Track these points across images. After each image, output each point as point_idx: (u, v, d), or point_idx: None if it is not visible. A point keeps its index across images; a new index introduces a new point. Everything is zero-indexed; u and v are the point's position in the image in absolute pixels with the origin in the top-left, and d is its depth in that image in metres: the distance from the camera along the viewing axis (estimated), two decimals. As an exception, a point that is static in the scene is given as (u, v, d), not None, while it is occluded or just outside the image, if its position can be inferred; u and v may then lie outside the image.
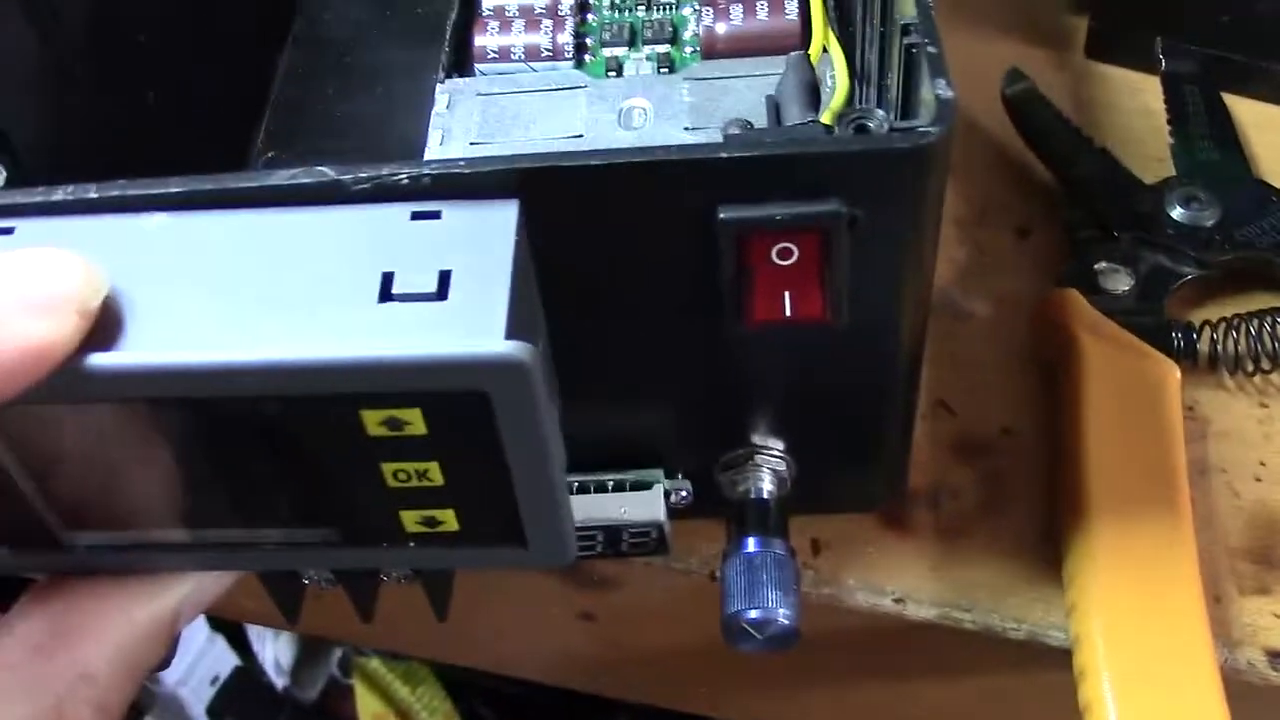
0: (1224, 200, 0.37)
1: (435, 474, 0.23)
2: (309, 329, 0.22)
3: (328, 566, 0.28)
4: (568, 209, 0.25)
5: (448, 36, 0.36)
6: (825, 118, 0.28)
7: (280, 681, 0.87)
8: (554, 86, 0.35)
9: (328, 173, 0.24)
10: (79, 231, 0.24)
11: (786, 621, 0.27)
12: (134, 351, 0.22)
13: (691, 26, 0.35)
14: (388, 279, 0.22)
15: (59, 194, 0.24)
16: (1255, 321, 0.34)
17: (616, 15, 0.36)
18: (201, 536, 0.25)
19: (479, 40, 0.35)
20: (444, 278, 0.22)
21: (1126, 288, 0.35)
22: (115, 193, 0.24)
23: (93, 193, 0.24)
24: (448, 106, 0.34)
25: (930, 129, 0.24)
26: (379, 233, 0.23)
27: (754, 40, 0.34)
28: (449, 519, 0.24)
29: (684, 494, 0.29)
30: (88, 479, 0.24)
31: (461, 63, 0.36)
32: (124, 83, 0.34)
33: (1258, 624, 0.30)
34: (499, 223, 0.23)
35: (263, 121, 0.39)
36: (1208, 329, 0.35)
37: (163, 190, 0.24)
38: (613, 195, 0.24)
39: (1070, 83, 0.43)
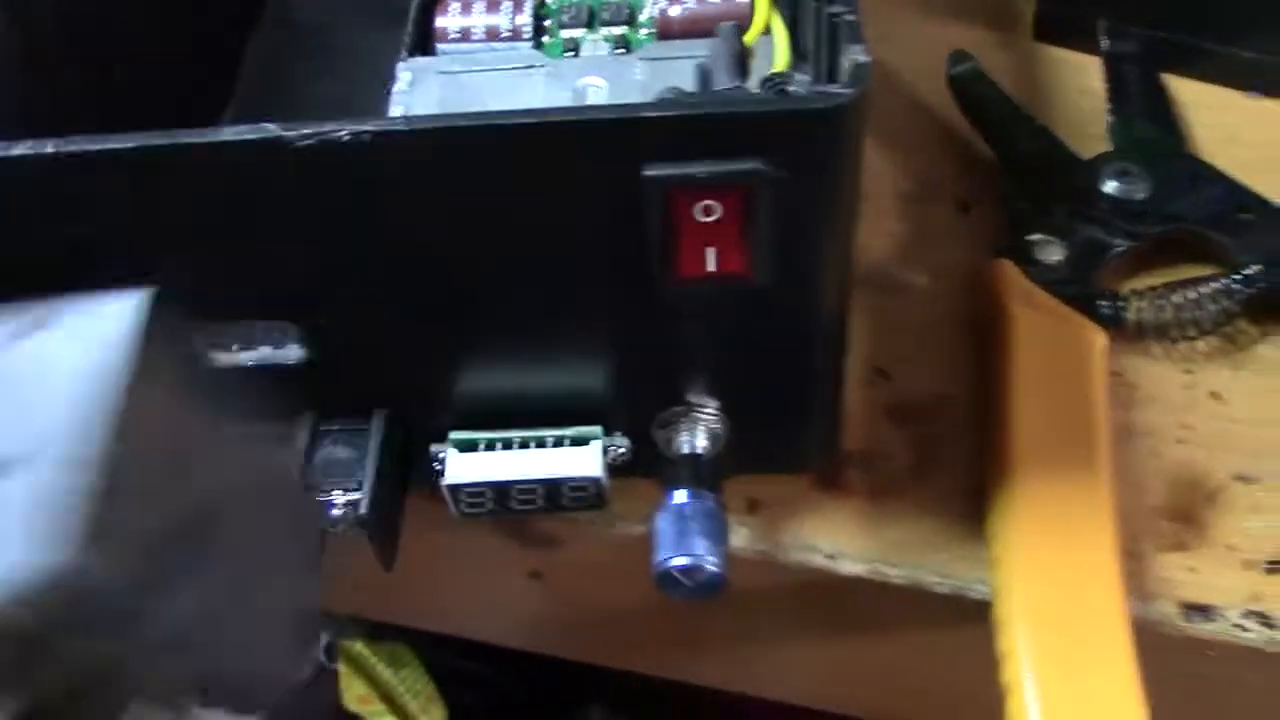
0: (1156, 175, 0.38)
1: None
2: None
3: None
4: (501, 169, 0.26)
5: (411, 17, 0.37)
6: (754, 87, 0.29)
7: (265, 665, 0.88)
8: (512, 65, 0.36)
9: (272, 129, 0.25)
10: None
11: (714, 569, 0.28)
12: None
13: (648, 9, 0.36)
14: None
15: (19, 149, 0.26)
16: (1182, 291, 0.36)
17: (575, -2, 0.37)
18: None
19: (440, 21, 0.37)
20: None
21: (1059, 259, 0.36)
22: (73, 148, 0.26)
23: (49, 148, 0.26)
24: (410, 84, 0.36)
25: (844, 90, 0.25)
26: None
27: (708, 21, 0.35)
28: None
29: (622, 450, 0.30)
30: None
31: (424, 43, 0.37)
32: (92, 64, 0.35)
33: (1173, 578, 0.32)
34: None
35: (230, 102, 0.40)
36: (1136, 298, 0.36)
37: (117, 145, 0.25)
38: (543, 154, 0.26)
39: (1017, 64, 0.44)
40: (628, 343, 0.29)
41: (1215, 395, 0.35)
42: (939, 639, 0.33)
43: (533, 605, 0.37)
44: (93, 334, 0.21)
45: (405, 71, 0.36)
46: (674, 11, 0.36)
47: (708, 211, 0.26)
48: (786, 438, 0.32)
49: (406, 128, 0.25)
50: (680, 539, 0.28)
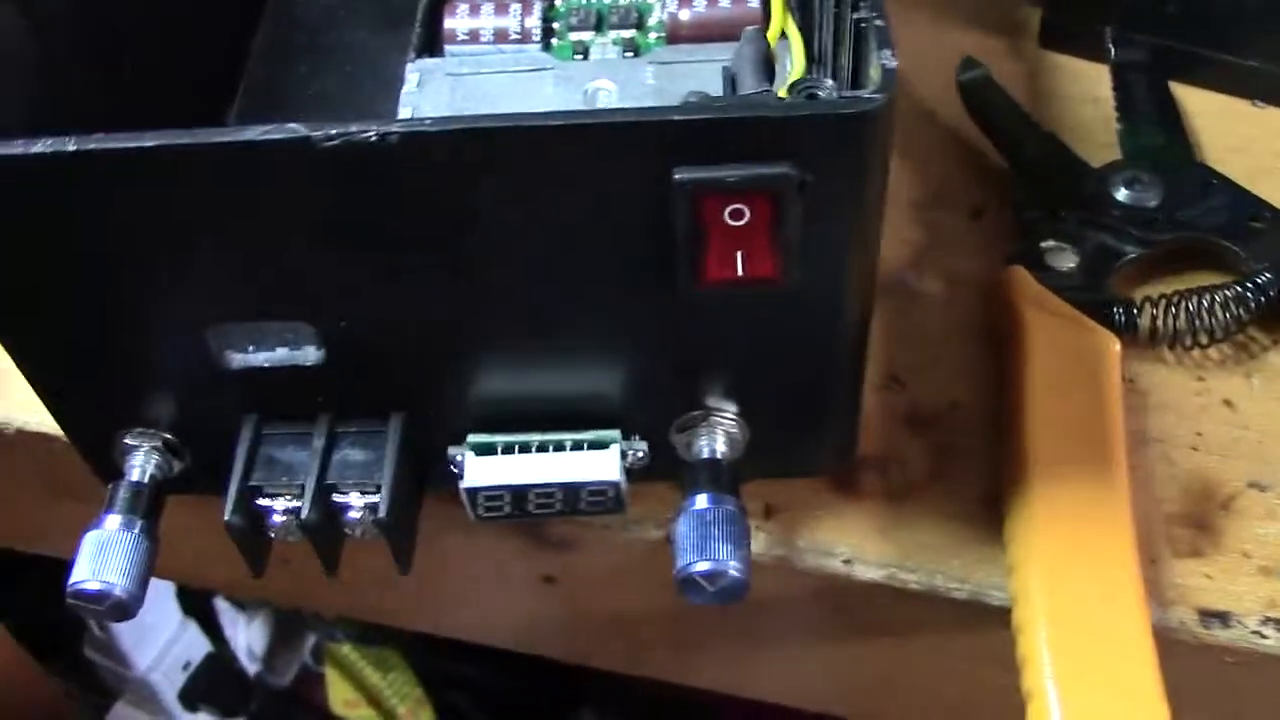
0: (1167, 183, 0.38)
1: None
2: None
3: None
4: (527, 171, 0.26)
5: (419, 18, 0.37)
6: (781, 91, 0.29)
7: (253, 668, 0.88)
8: (521, 68, 0.36)
9: (299, 129, 0.25)
10: None
11: (737, 574, 0.28)
12: None
13: (657, 13, 0.36)
14: None
15: (38, 146, 0.25)
16: (1194, 299, 0.36)
17: (584, 1, 0.37)
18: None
19: (449, 22, 0.36)
20: None
21: (1072, 265, 0.37)
22: (92, 146, 0.25)
23: (71, 145, 0.25)
24: (418, 85, 0.35)
25: (875, 96, 0.25)
26: None
27: (717, 26, 0.36)
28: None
29: (640, 454, 0.30)
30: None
31: (432, 44, 0.36)
32: (100, 60, 0.34)
33: (1190, 584, 0.32)
34: None
35: (234, 100, 0.40)
36: (1148, 305, 0.36)
37: (139, 144, 0.25)
38: (572, 156, 0.25)
39: (1024, 71, 0.44)
40: (649, 346, 0.29)
41: (1227, 403, 0.35)
42: (956, 644, 0.33)
43: (544, 609, 0.37)
44: None
45: (414, 72, 0.36)
46: (683, 16, 0.36)
47: (737, 215, 0.26)
48: (804, 442, 0.32)
49: (434, 129, 0.25)
50: (702, 544, 0.28)
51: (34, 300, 0.28)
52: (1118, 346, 0.34)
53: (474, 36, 0.37)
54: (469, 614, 0.40)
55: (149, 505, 0.31)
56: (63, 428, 0.32)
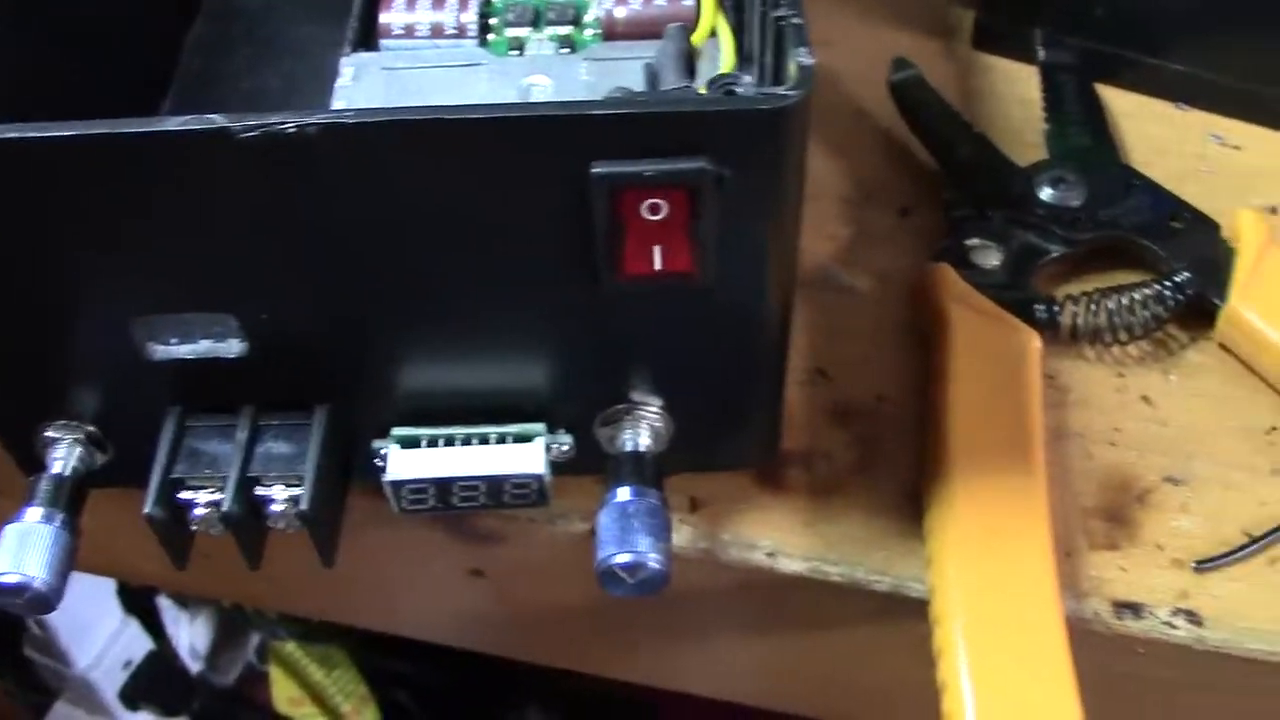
0: (1091, 183, 0.39)
1: None
2: None
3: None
4: (448, 164, 0.26)
5: (355, 11, 0.37)
6: (701, 89, 0.30)
7: (195, 666, 0.87)
8: (456, 63, 0.36)
9: (217, 120, 0.25)
10: None
11: (656, 565, 0.28)
12: None
13: (593, 10, 0.37)
14: None
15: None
16: (1114, 297, 0.36)
17: (521, -3, 0.37)
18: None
19: (384, 17, 0.36)
20: None
21: (996, 263, 0.37)
22: (9, 135, 0.25)
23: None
24: (352, 79, 0.35)
25: (791, 92, 0.25)
26: None
27: (652, 23, 0.36)
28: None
29: (564, 447, 0.31)
30: None
31: (368, 38, 0.36)
32: (28, 49, 0.34)
33: (1105, 576, 0.32)
34: None
35: (168, 92, 0.39)
36: (1070, 303, 0.36)
37: (57, 134, 0.25)
38: (491, 150, 0.26)
39: (956, 71, 0.44)
40: (572, 340, 0.29)
41: (1146, 399, 0.36)
42: (878, 636, 0.34)
43: (474, 603, 0.37)
44: None
45: (348, 66, 0.35)
46: (619, 13, 0.36)
47: (654, 210, 0.26)
48: (728, 436, 0.32)
49: (353, 120, 0.25)
50: (623, 536, 0.28)
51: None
52: (1038, 343, 0.35)
53: (410, 31, 0.37)
54: (399, 608, 0.40)
55: (70, 498, 0.31)
56: (-14, 419, 0.31)
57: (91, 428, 0.31)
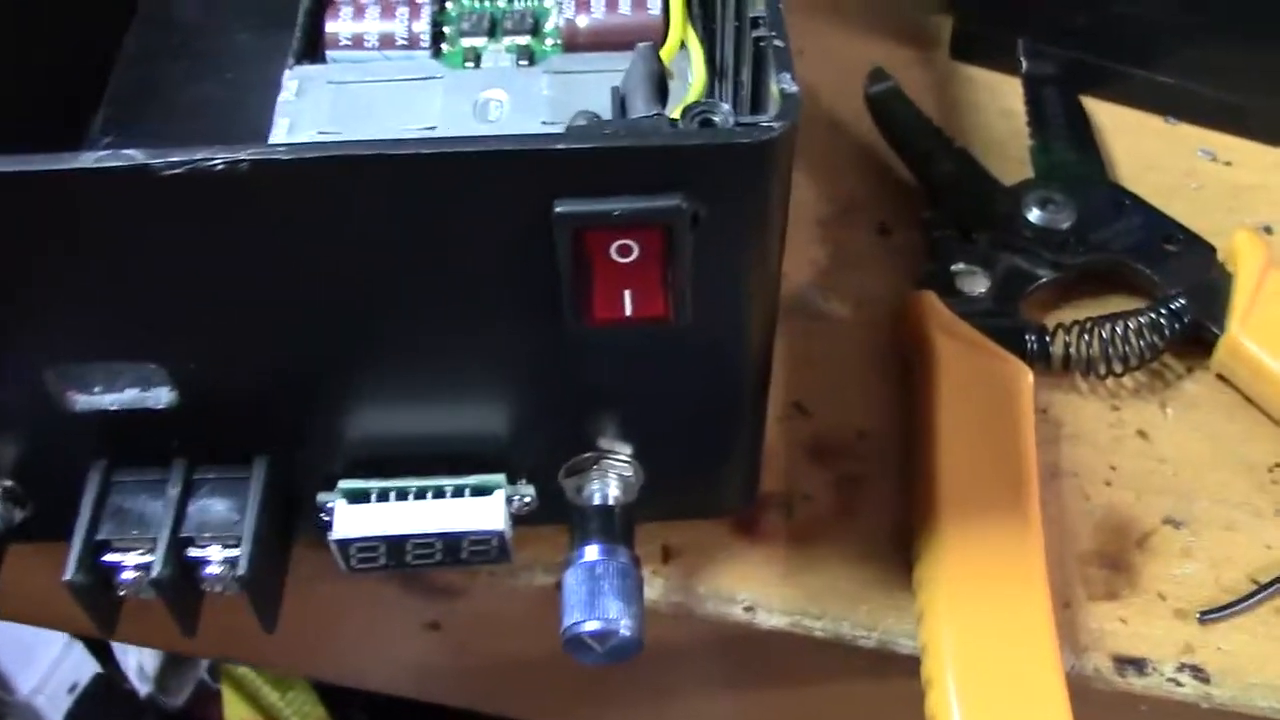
0: (1079, 203, 0.37)
1: None
2: None
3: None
4: (395, 202, 0.24)
5: (300, 21, 0.34)
6: (675, 112, 0.27)
7: (144, 688, 0.84)
8: (408, 76, 0.33)
9: (137, 155, 0.23)
10: None
11: (628, 633, 0.26)
12: None
13: (553, 19, 0.34)
14: None
15: None
16: (1107, 325, 0.34)
17: (476, 5, 0.35)
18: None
19: (331, 26, 0.34)
20: None
21: (983, 290, 0.35)
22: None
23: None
24: (296, 94, 0.33)
25: (774, 124, 0.23)
26: None
27: (616, 34, 0.33)
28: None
29: (527, 500, 0.28)
30: None
31: (313, 49, 0.34)
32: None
33: (1104, 629, 0.30)
34: None
35: (100, 106, 0.37)
36: (1061, 332, 0.34)
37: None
38: (442, 187, 0.23)
39: (934, 83, 0.42)
40: (535, 386, 0.27)
41: (1142, 434, 0.34)
42: (864, 692, 0.32)
43: (432, 657, 0.35)
44: None
45: (292, 80, 0.33)
46: (581, 22, 0.34)
47: (624, 251, 0.24)
48: (703, 482, 0.30)
49: (288, 156, 0.23)
50: (591, 601, 0.26)
51: None
52: (1031, 378, 0.33)
53: (358, 42, 0.34)
54: (352, 662, 0.37)
55: (-14, 559, 0.28)
56: (-113, 475, 0.29)
57: (9, 482, 0.29)
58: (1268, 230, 0.38)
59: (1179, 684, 0.30)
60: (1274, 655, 0.30)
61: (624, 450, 0.28)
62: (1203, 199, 0.39)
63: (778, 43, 0.25)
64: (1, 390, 0.27)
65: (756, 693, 0.34)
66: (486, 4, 0.35)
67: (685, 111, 0.26)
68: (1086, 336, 0.34)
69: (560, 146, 0.23)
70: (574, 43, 0.34)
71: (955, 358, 0.33)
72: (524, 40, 0.34)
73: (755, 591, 0.31)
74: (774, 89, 0.24)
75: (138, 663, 0.84)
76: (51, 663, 0.80)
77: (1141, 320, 0.34)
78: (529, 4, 0.35)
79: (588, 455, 0.28)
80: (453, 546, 0.28)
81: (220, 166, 0.22)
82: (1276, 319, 0.34)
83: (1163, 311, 0.35)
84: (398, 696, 0.79)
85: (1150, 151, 0.40)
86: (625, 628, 0.26)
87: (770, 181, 0.24)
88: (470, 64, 0.34)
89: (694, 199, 0.23)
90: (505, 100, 0.32)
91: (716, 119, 0.24)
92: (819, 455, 0.33)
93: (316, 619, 0.33)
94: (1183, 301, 0.35)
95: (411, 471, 0.29)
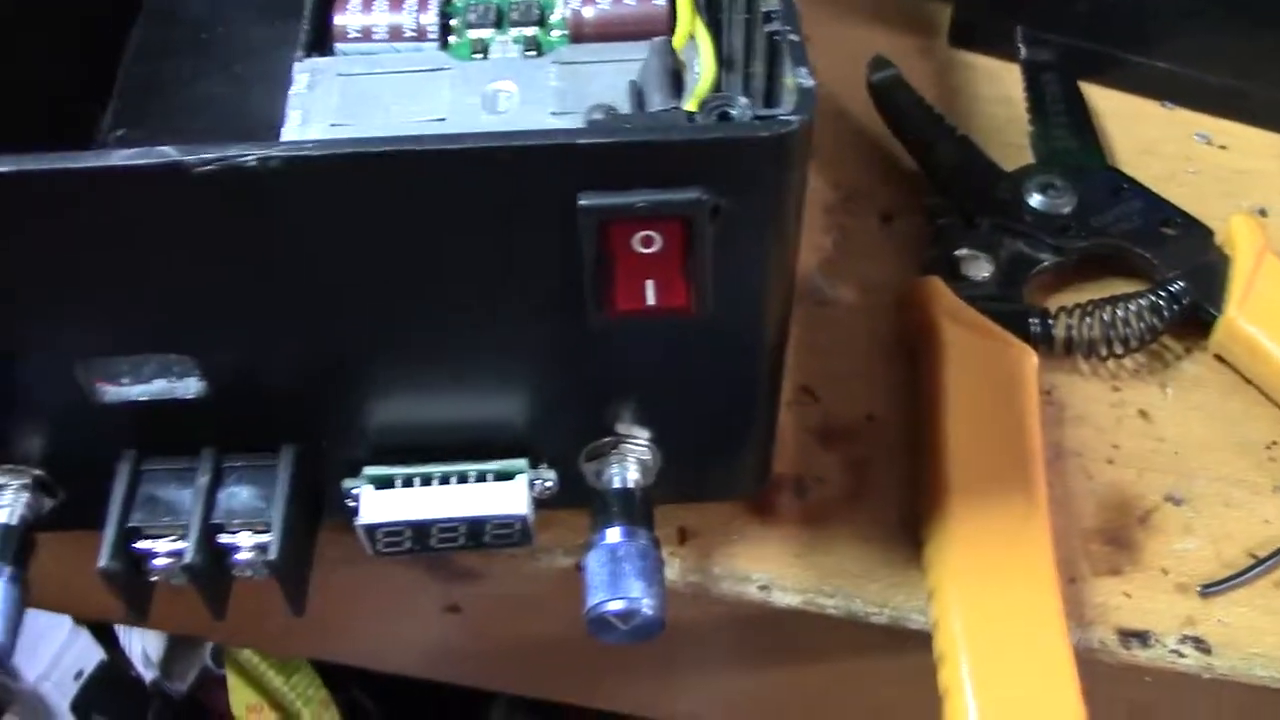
0: (1080, 188, 0.38)
1: None
2: None
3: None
4: (422, 195, 0.24)
5: (307, 14, 0.35)
6: (690, 105, 0.28)
7: (149, 674, 0.85)
8: (417, 68, 0.34)
9: (170, 153, 0.23)
10: None
11: (650, 612, 0.27)
12: None
13: (559, 9, 0.35)
14: None
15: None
16: (1108, 308, 0.35)
17: (482, -4, 0.35)
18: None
19: (339, 19, 0.34)
20: None
21: (987, 274, 0.36)
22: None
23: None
24: (307, 87, 0.33)
25: (791, 117, 0.23)
26: None
27: (622, 25, 0.34)
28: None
29: (549, 484, 0.29)
30: None
31: (322, 41, 0.34)
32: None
33: (1109, 604, 0.31)
34: None
35: (111, 100, 0.37)
36: (1063, 315, 0.35)
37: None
38: (468, 181, 0.24)
39: (934, 70, 0.43)
40: (556, 374, 0.28)
41: (1143, 414, 0.35)
42: (877, 668, 0.33)
43: (451, 638, 0.36)
44: None
45: (303, 73, 0.33)
46: (588, 13, 0.34)
47: (646, 242, 0.24)
48: (719, 465, 0.31)
49: (319, 153, 0.23)
50: (614, 581, 0.27)
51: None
52: (1035, 360, 0.33)
53: (366, 34, 0.35)
54: (370, 644, 0.38)
55: (18, 548, 0.29)
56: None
57: (39, 472, 0.29)
58: (1263, 213, 0.39)
59: (1181, 655, 0.31)
60: (1272, 627, 0.31)
61: (643, 435, 0.29)
62: (1200, 183, 0.40)
63: (793, 37, 0.25)
64: (32, 383, 0.27)
65: (771, 670, 0.35)
66: (493, -5, 0.36)
67: (703, 105, 0.26)
68: (1088, 319, 0.35)
69: (585, 141, 0.24)
70: (580, 33, 0.34)
71: (961, 341, 0.33)
72: (531, 32, 0.35)
73: (770, 571, 0.32)
74: (790, 83, 0.25)
75: (142, 649, 0.85)
76: (58, 650, 0.80)
77: (1141, 303, 0.35)
78: (535, -3, 0.35)
79: (607, 440, 0.29)
80: (476, 530, 0.29)
81: (253, 163, 0.23)
82: (1273, 300, 0.35)
83: (1162, 294, 0.35)
84: (400, 678, 0.80)
85: (1148, 136, 0.41)
86: (648, 607, 0.27)
87: (788, 174, 0.24)
88: (478, 55, 0.34)
89: (713, 191, 0.24)
90: (514, 91, 0.33)
91: (734, 112, 0.25)
92: (828, 438, 0.34)
93: (337, 602, 0.33)
94: (1181, 284, 0.35)
95: (435, 458, 0.29)
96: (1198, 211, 0.37)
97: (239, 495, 0.29)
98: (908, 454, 0.34)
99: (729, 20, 0.32)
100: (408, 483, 0.29)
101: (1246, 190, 0.40)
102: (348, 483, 0.29)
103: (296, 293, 0.26)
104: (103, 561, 0.28)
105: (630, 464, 0.29)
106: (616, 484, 0.29)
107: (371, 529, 0.29)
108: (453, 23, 0.35)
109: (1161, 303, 0.35)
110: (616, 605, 0.27)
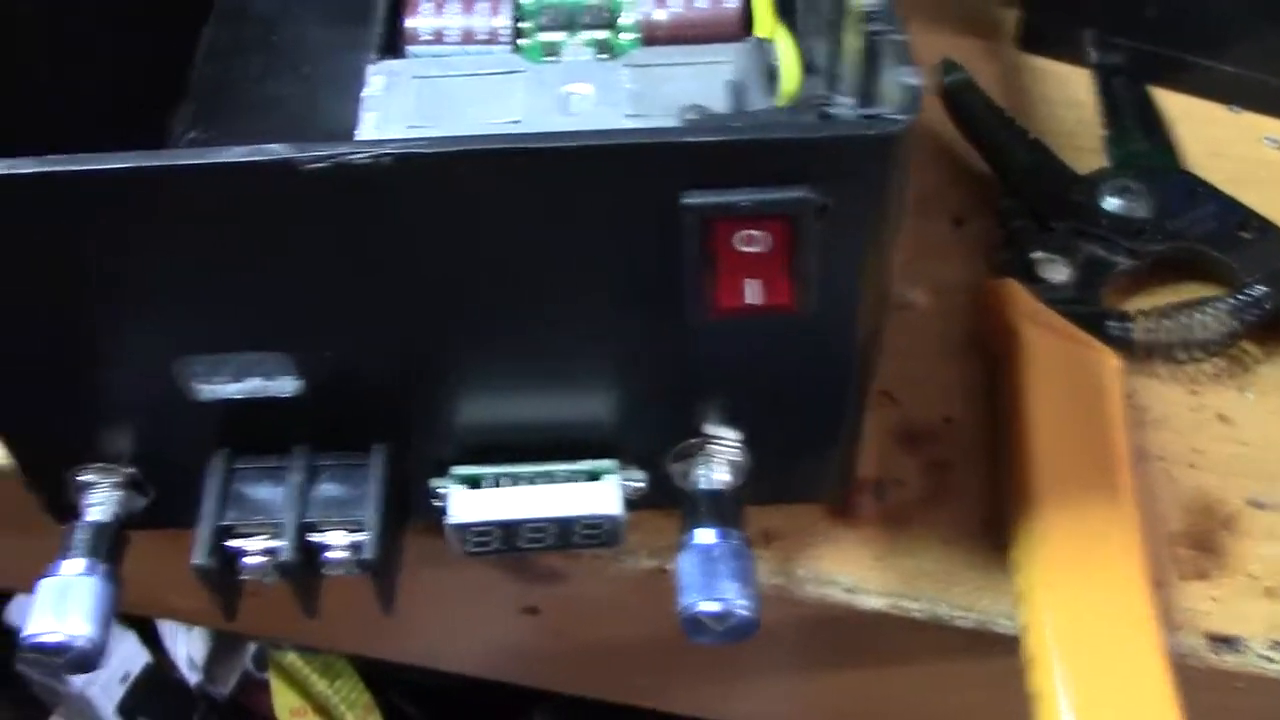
0: (1155, 191, 0.37)
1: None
2: None
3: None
4: (527, 193, 0.24)
5: (380, 16, 0.35)
6: (777, 103, 0.28)
7: (193, 677, 0.85)
8: (491, 70, 0.34)
9: (279, 150, 0.23)
10: None
11: (746, 613, 0.27)
12: None
13: (631, 12, 0.35)
14: None
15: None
16: (1187, 311, 0.35)
17: (554, -1, 0.35)
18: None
19: (411, 21, 0.35)
20: None
21: (1064, 277, 0.36)
22: (55, 168, 0.23)
23: (26, 168, 0.23)
24: (382, 89, 0.33)
25: (899, 117, 0.23)
26: None
27: (694, 27, 0.34)
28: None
29: (639, 485, 0.29)
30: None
31: (393, 43, 0.35)
32: (42, 58, 0.32)
33: (1197, 608, 0.31)
34: None
35: (182, 101, 0.37)
36: (1141, 318, 0.35)
37: (104, 166, 0.23)
38: (577, 179, 0.24)
39: (1002, 73, 0.43)
40: (649, 372, 0.28)
41: (1223, 418, 0.35)
42: (960, 671, 0.33)
43: (525, 640, 0.36)
44: None
45: (377, 75, 0.34)
46: (659, 16, 0.34)
47: (749, 241, 0.24)
48: (806, 466, 0.31)
49: (431, 150, 0.24)
50: (708, 582, 0.27)
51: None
52: (1118, 363, 0.33)
53: (438, 37, 0.35)
54: (442, 645, 0.38)
55: (110, 546, 0.29)
56: (17, 461, 0.29)
57: (131, 470, 0.29)
58: (1337, 217, 0.39)
59: (1271, 660, 0.30)
60: (1363, 632, 0.31)
61: (734, 436, 0.29)
62: (1270, 186, 0.40)
63: (896, 37, 0.25)
64: (129, 381, 0.28)
65: (849, 672, 0.35)
66: (565, -1, 0.36)
67: (800, 104, 0.26)
68: (1167, 323, 0.35)
69: (691, 139, 0.24)
70: (652, 36, 0.34)
71: (1042, 343, 0.33)
72: (602, 34, 0.35)
73: (853, 574, 0.32)
74: (892, 82, 0.25)
75: (187, 653, 0.85)
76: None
77: (1220, 307, 0.35)
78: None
79: (696, 440, 0.29)
80: (565, 531, 0.29)
81: (365, 160, 0.23)
82: (1355, 304, 0.34)
83: (1241, 298, 0.35)
84: (440, 682, 0.80)
85: (1216, 140, 0.41)
86: (743, 608, 0.27)
87: (893, 173, 0.24)
88: (549, 58, 0.34)
89: (820, 190, 0.24)
90: (588, 93, 0.33)
91: (837, 111, 0.25)
92: (907, 441, 0.34)
93: (415, 605, 0.33)
94: (1262, 288, 0.35)
95: (522, 457, 0.29)
96: (1271, 214, 0.37)
97: (331, 494, 0.29)
98: (987, 457, 0.34)
99: (805, 23, 0.32)
100: (497, 482, 0.29)
101: (1318, 194, 0.40)
102: (436, 481, 0.29)
103: (397, 291, 0.26)
104: (198, 559, 0.28)
105: (722, 465, 0.29)
106: (707, 485, 0.29)
107: (462, 528, 0.29)
108: (523, 25, 0.35)
109: (1240, 307, 0.35)
110: (712, 606, 0.27)
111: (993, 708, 0.30)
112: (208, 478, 0.29)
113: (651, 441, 0.29)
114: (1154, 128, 0.40)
